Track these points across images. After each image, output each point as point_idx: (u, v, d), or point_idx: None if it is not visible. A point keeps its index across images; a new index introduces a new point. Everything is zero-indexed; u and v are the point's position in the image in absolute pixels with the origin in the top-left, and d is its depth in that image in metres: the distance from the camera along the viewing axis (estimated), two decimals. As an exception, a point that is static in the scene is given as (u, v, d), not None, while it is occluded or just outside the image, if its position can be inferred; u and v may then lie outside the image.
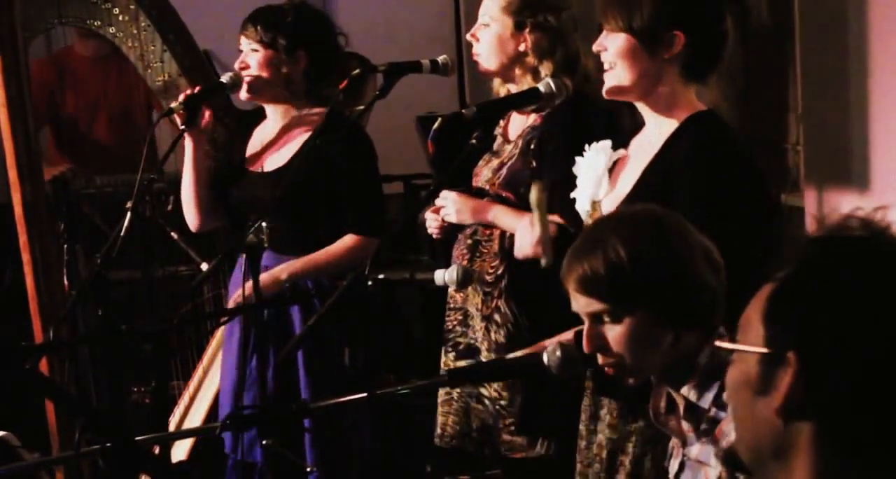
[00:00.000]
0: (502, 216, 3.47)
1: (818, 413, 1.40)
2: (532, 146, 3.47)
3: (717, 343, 1.54)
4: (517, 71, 3.54)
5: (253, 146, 4.01)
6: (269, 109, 3.97)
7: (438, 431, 3.67)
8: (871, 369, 1.38)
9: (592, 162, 2.99)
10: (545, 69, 3.47)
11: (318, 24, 3.98)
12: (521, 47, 3.51)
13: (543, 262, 3.04)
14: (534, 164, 3.46)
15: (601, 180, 2.96)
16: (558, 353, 2.27)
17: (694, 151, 2.79)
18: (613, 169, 2.98)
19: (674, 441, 2.36)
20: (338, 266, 3.79)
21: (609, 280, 2.24)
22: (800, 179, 4.75)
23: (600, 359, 2.31)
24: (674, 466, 2.34)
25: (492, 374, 2.54)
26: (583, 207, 3.00)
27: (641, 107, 2.92)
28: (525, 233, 3.18)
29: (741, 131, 5.03)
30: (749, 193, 2.76)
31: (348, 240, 3.83)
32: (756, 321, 1.45)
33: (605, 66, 2.88)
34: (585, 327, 2.30)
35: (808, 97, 4.53)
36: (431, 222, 3.63)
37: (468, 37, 3.63)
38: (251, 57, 3.85)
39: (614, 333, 2.27)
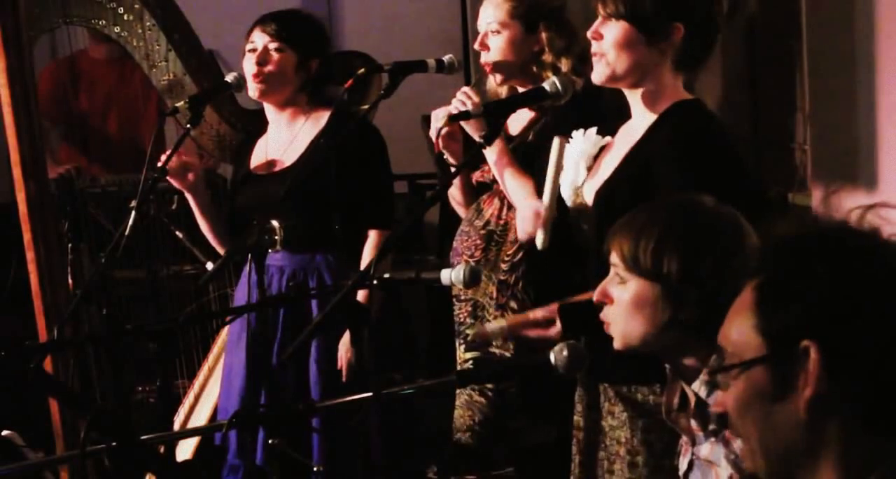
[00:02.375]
0: (512, 174, 3.46)
1: (846, 400, 1.39)
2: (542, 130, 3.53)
3: (719, 376, 1.52)
4: (534, 69, 3.55)
5: (258, 153, 4.02)
6: (273, 111, 3.96)
7: (456, 424, 3.69)
8: (887, 345, 1.38)
9: (574, 148, 3.00)
10: (565, 65, 3.50)
11: (326, 33, 4.06)
12: (535, 48, 3.55)
13: (539, 243, 3.05)
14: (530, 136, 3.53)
15: (578, 166, 2.97)
16: (565, 352, 2.27)
17: (674, 138, 2.80)
18: (599, 156, 2.98)
19: (683, 439, 2.35)
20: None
21: (645, 257, 2.27)
22: (807, 178, 4.73)
23: (601, 315, 2.37)
24: (683, 465, 2.33)
25: (499, 374, 2.54)
26: (566, 193, 3.02)
27: (629, 94, 2.92)
28: (526, 212, 3.16)
29: (749, 130, 5.04)
30: (730, 181, 2.75)
31: (376, 237, 3.87)
32: (748, 334, 1.45)
33: (596, 52, 2.87)
34: (607, 278, 2.36)
35: (816, 96, 4.52)
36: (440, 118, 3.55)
37: (476, 46, 3.64)
38: (273, 56, 3.85)
39: (620, 290, 2.32)
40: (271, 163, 3.96)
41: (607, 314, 2.36)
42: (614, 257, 2.33)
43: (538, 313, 2.81)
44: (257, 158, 4.02)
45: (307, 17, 4.04)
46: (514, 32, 3.57)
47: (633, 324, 2.31)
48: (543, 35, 3.55)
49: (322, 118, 3.91)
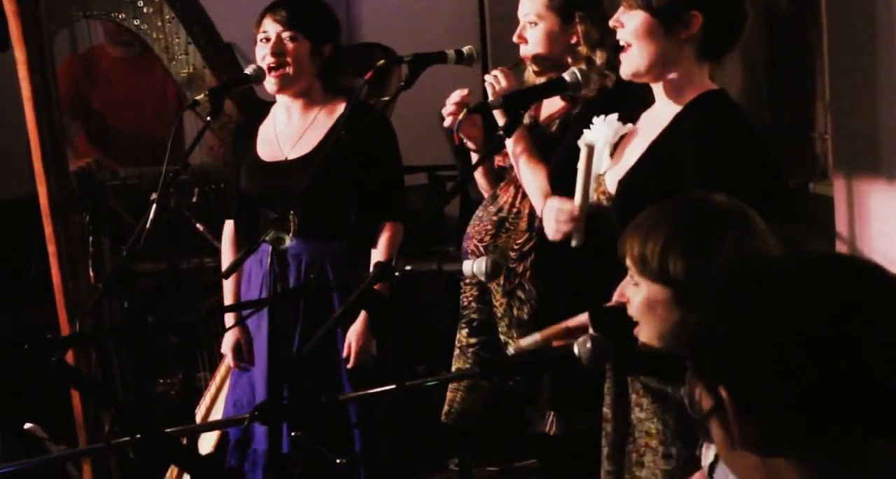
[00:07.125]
0: (526, 161, 3.47)
1: (776, 434, 1.41)
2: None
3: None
4: (570, 60, 3.53)
5: (267, 139, 3.99)
6: (287, 100, 3.93)
7: (446, 408, 3.70)
8: (794, 380, 1.39)
9: (596, 135, 2.99)
10: (599, 57, 3.49)
11: (335, 16, 4.02)
12: (572, 40, 3.54)
13: (574, 242, 3.05)
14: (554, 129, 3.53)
15: (602, 154, 2.97)
16: (589, 345, 2.27)
17: (700, 129, 2.80)
18: (620, 143, 2.98)
19: (710, 431, 2.35)
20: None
21: (653, 260, 2.32)
22: (828, 167, 4.72)
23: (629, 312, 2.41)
24: (708, 456, 2.33)
25: (523, 367, 2.54)
26: None
27: (655, 86, 2.92)
28: (555, 212, 3.14)
29: (769, 120, 5.03)
30: (757, 171, 2.75)
31: (391, 228, 3.88)
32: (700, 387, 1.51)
33: (622, 43, 2.88)
34: (625, 280, 2.41)
35: (836, 86, 4.50)
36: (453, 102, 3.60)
37: (515, 39, 3.62)
38: (288, 45, 3.82)
39: (634, 292, 2.38)
40: (283, 151, 3.94)
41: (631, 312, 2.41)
42: (627, 260, 2.37)
43: (571, 323, 2.83)
44: (266, 144, 3.97)
45: (316, 1, 3.98)
46: (551, 25, 3.55)
47: (649, 324, 2.37)
48: (579, 27, 3.54)
49: (337, 109, 3.90)
